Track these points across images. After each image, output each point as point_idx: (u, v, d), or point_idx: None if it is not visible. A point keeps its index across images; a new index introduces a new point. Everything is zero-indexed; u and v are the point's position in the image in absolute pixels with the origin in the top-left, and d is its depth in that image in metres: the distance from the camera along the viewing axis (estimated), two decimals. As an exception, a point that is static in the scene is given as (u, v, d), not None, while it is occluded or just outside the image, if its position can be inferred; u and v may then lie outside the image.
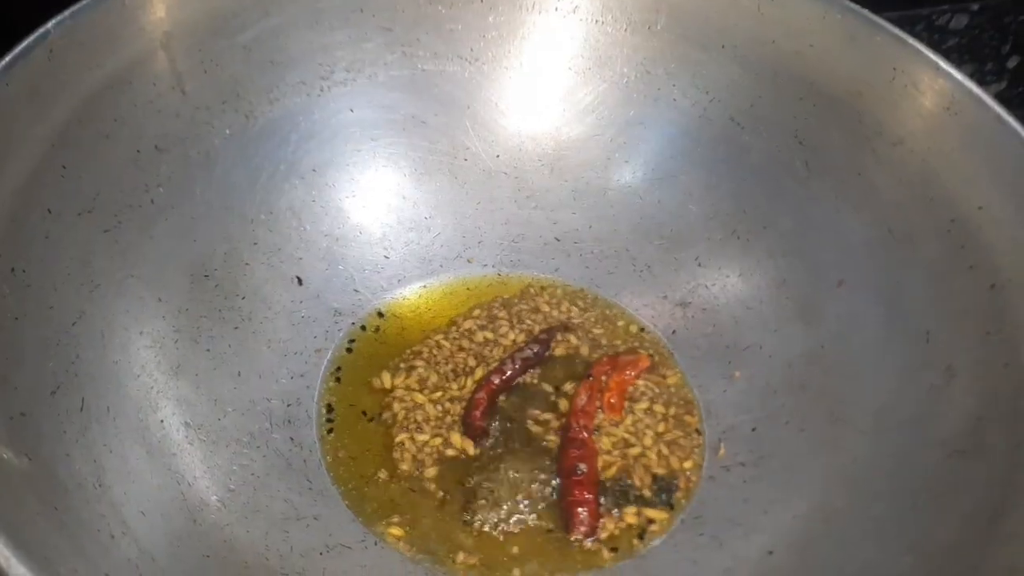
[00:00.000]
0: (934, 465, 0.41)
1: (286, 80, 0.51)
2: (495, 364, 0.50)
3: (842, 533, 0.41)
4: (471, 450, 0.46)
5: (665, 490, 0.46)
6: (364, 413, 0.48)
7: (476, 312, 0.54)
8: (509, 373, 0.49)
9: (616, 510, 0.45)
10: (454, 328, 0.53)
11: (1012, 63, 0.80)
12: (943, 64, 0.47)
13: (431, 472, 0.46)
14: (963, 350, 0.43)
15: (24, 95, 0.40)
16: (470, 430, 0.47)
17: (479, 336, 0.52)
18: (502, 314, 0.54)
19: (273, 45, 0.50)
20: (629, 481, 0.46)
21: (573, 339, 0.52)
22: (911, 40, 0.48)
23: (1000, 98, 0.80)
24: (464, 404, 0.48)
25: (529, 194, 0.58)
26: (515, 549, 0.43)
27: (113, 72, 0.44)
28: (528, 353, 0.50)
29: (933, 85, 0.47)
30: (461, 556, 0.43)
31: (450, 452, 0.46)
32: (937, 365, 0.44)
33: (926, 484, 0.40)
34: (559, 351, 0.51)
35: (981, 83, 0.80)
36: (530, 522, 0.44)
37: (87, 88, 0.43)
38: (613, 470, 0.47)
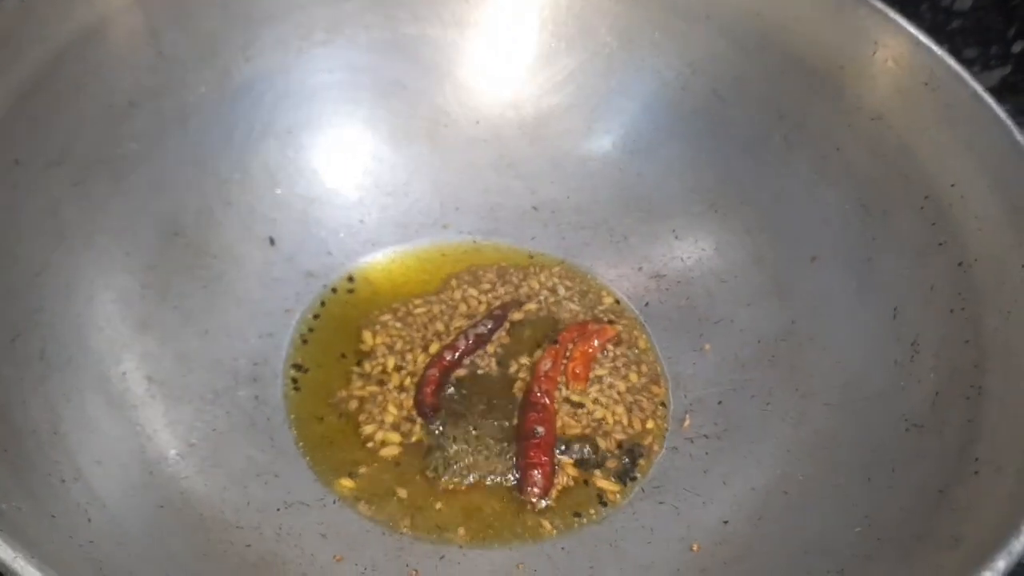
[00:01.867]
0: (892, 439, 0.41)
1: (263, 38, 0.51)
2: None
3: (797, 504, 0.41)
4: (396, 451, 0.45)
5: (627, 458, 0.46)
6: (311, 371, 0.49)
7: (460, 278, 0.54)
8: (462, 349, 0.49)
9: (575, 473, 0.45)
10: (435, 293, 0.53)
11: (1018, 47, 0.78)
12: (922, 38, 0.46)
13: (392, 436, 0.46)
14: (928, 326, 0.43)
15: (-6, 44, 0.40)
16: (421, 407, 0.46)
17: (461, 306, 0.52)
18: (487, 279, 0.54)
19: (250, 1, 0.50)
20: (590, 447, 0.46)
21: (534, 309, 0.52)
22: (892, 13, 0.47)
23: (1005, 83, 0.80)
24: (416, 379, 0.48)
25: (508, 162, 0.58)
26: (468, 508, 0.44)
27: (86, 24, 0.44)
28: (482, 329, 0.50)
29: (912, 59, 0.47)
30: (405, 502, 0.43)
31: (410, 420, 0.47)
32: (903, 341, 0.44)
33: (883, 457, 0.40)
34: (525, 315, 0.52)
35: (985, 67, 0.79)
36: (485, 483, 0.44)
37: (60, 39, 0.43)
38: (575, 434, 0.47)
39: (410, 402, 0.47)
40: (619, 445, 0.47)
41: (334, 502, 0.43)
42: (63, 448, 0.36)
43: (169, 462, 0.41)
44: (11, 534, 0.26)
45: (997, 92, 0.79)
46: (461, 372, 0.49)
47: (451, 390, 0.48)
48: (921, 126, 0.47)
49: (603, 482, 0.45)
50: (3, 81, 0.40)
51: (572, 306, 0.53)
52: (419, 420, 0.46)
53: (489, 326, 0.50)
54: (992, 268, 0.41)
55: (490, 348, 0.50)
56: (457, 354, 0.48)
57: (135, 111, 0.46)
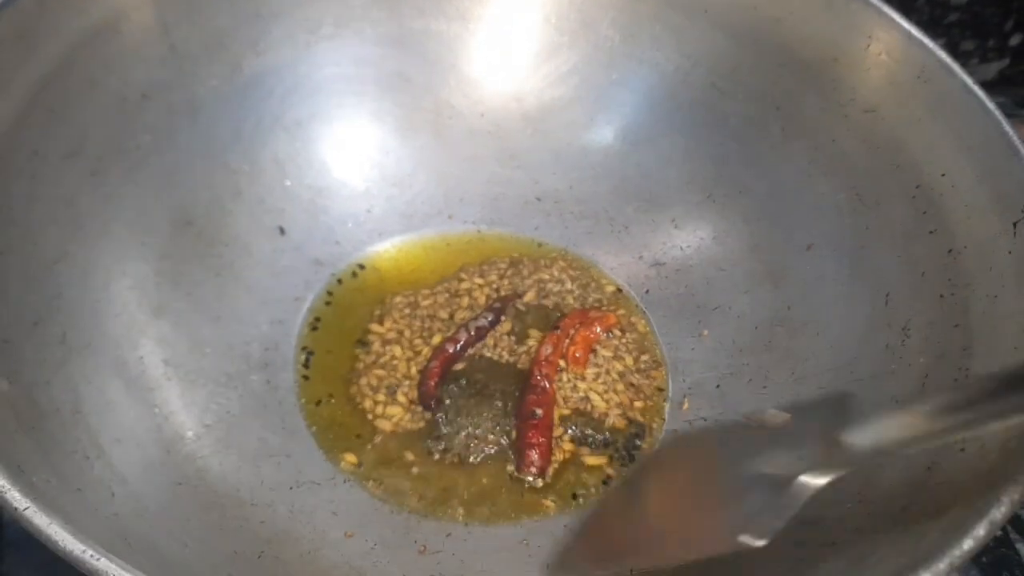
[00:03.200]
0: (883, 421, 0.42)
1: (272, 33, 0.52)
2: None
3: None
4: (402, 433, 0.47)
5: (627, 439, 0.48)
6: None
7: (470, 269, 0.55)
8: (463, 341, 0.50)
9: (575, 453, 0.47)
10: (442, 283, 0.54)
11: (1015, 40, 0.79)
12: (915, 32, 0.48)
13: (398, 419, 0.47)
14: (919, 312, 0.44)
15: (12, 39, 0.41)
16: (424, 398, 0.48)
17: (465, 298, 0.54)
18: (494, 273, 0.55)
19: (259, -4, 0.51)
20: (590, 428, 0.48)
21: (535, 298, 0.54)
22: (885, 8, 0.49)
23: (1002, 75, 0.81)
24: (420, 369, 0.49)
25: (512, 153, 0.59)
26: (470, 487, 0.45)
27: (101, 20, 0.45)
28: (483, 322, 0.51)
29: (905, 52, 0.48)
30: (410, 481, 0.45)
31: (415, 404, 0.48)
32: (895, 326, 0.45)
33: (874, 438, 0.41)
34: (527, 305, 0.53)
35: (983, 60, 0.80)
36: (487, 463, 0.46)
37: (75, 34, 0.44)
38: (575, 415, 0.48)
39: (415, 390, 0.48)
40: (619, 427, 0.48)
41: (344, 481, 0.45)
42: (84, 427, 0.38)
43: (186, 442, 0.42)
44: (44, 503, 0.28)
45: (994, 85, 0.80)
46: (463, 362, 0.50)
47: (454, 377, 0.49)
48: (913, 118, 0.48)
49: (602, 462, 0.47)
50: (21, 75, 0.41)
51: (573, 294, 0.55)
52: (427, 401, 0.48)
53: (490, 318, 0.51)
54: (980, 254, 0.43)
55: (493, 337, 0.51)
56: (459, 346, 0.50)
57: (148, 104, 0.48)
